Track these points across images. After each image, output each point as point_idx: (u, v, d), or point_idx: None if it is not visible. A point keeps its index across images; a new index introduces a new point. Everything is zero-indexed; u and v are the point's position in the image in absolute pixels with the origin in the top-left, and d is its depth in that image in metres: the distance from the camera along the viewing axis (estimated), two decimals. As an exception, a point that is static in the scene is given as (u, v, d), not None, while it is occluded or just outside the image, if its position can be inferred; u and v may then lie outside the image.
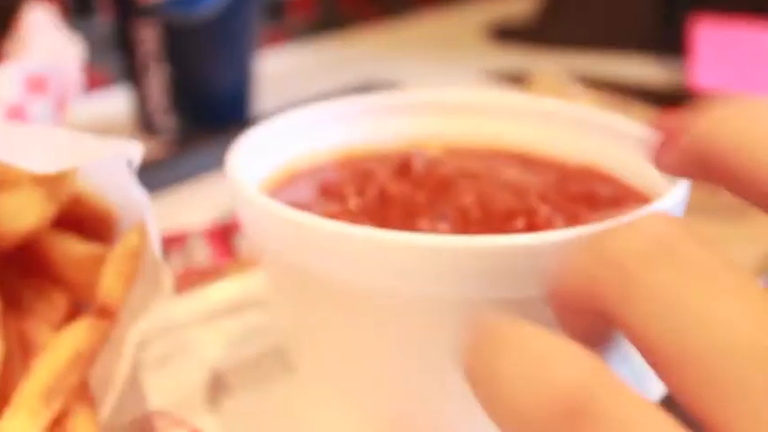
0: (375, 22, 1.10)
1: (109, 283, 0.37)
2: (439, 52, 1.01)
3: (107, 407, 0.36)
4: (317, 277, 0.34)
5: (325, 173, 0.42)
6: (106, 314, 0.37)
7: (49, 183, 0.39)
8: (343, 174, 0.42)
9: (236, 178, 0.37)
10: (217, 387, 0.41)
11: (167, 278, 0.37)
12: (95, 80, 0.84)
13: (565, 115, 0.44)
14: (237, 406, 0.40)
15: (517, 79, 0.85)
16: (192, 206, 0.59)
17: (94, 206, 0.43)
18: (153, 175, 0.64)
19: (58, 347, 0.35)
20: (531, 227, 0.36)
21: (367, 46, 1.04)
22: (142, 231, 0.38)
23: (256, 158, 0.40)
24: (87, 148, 0.37)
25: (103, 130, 0.76)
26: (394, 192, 0.38)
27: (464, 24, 1.12)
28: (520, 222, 0.37)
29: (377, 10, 1.10)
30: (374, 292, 0.33)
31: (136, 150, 0.36)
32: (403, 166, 0.40)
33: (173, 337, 0.45)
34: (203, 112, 0.73)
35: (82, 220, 0.43)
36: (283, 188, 0.41)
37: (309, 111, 0.44)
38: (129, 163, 0.38)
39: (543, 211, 0.37)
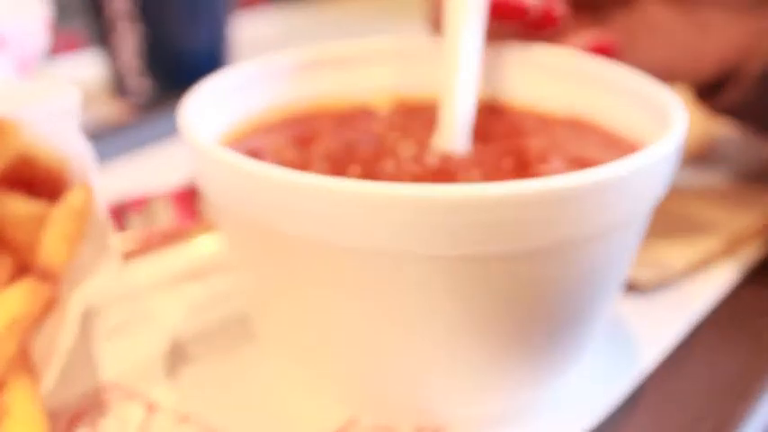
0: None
1: (51, 245, 0.34)
2: (416, 15, 0.98)
3: (50, 378, 0.33)
4: (273, 231, 0.31)
5: (288, 125, 0.39)
6: (47, 278, 0.34)
7: (-10, 138, 0.36)
8: (302, 127, 0.39)
9: (189, 128, 0.34)
10: (176, 356, 0.39)
11: (114, 240, 0.34)
12: (67, 42, 0.80)
13: (543, 61, 0.41)
14: (196, 376, 0.37)
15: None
16: (161, 170, 0.56)
17: (43, 162, 0.40)
18: (123, 138, 0.62)
19: (-7, 314, 0.32)
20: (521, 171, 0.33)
21: (348, 9, 1.00)
22: (87, 189, 0.35)
23: (212, 111, 0.37)
24: (24, 96, 0.34)
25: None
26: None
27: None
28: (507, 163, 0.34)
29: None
30: (334, 246, 0.30)
31: (74, 97, 0.33)
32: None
33: (132, 304, 0.42)
34: (176, 74, 0.70)
35: (30, 177, 0.40)
36: (240, 139, 0.38)
37: (269, 60, 0.41)
38: (72, 112, 0.35)
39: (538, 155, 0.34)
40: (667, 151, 0.32)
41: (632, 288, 0.42)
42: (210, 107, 0.37)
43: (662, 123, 0.35)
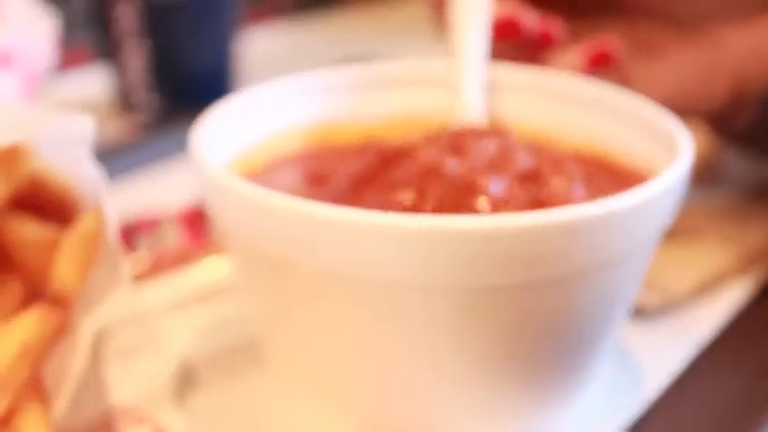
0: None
1: (63, 270, 0.34)
2: (432, 30, 0.98)
3: (62, 404, 0.34)
4: (285, 262, 0.31)
5: (304, 158, 0.40)
6: (60, 303, 0.34)
7: (3, 161, 0.36)
8: (322, 159, 0.39)
9: (200, 155, 0.34)
10: (185, 381, 0.39)
11: (125, 265, 0.35)
12: (74, 58, 0.81)
13: (551, 88, 0.41)
14: (206, 401, 0.38)
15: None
16: (168, 188, 0.56)
17: (54, 186, 0.40)
18: (130, 156, 0.62)
19: (5, 340, 0.32)
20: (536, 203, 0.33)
21: (357, 24, 1.01)
22: (99, 214, 0.35)
23: (226, 136, 0.37)
24: (37, 122, 0.35)
25: (81, 109, 0.73)
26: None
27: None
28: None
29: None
30: (346, 277, 0.30)
31: (88, 126, 0.33)
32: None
33: (140, 327, 0.42)
34: (183, 91, 0.70)
35: (41, 201, 0.40)
36: (258, 175, 0.38)
37: (282, 83, 0.41)
38: (85, 140, 0.35)
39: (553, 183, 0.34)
40: (676, 180, 0.32)
41: (639, 311, 0.42)
42: (221, 132, 0.37)
43: (668, 150, 0.35)
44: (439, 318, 0.30)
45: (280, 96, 0.41)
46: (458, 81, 0.39)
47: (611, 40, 0.42)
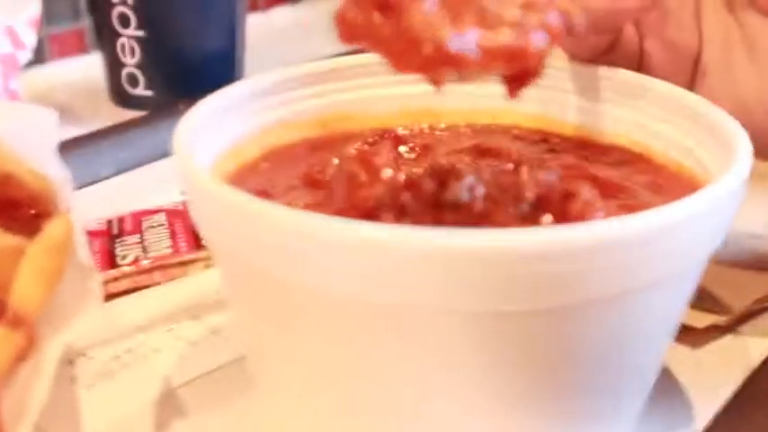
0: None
1: (24, 286, 0.30)
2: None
3: (22, 437, 0.29)
4: (280, 280, 0.27)
5: (301, 154, 0.35)
6: (20, 323, 0.30)
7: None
8: (321, 154, 0.35)
9: (183, 157, 0.30)
10: (167, 405, 0.35)
11: (95, 279, 0.30)
12: (66, 46, 0.77)
13: (589, 76, 0.37)
14: (189, 428, 0.33)
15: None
16: (164, 183, 0.52)
17: (25, 181, 0.36)
18: (124, 150, 0.58)
19: (-45, 367, 0.28)
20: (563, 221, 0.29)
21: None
22: (66, 223, 0.31)
23: (213, 132, 0.33)
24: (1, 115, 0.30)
25: (73, 100, 0.69)
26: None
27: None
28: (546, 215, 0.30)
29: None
30: (346, 298, 0.26)
31: (51, 120, 0.29)
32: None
33: (122, 344, 0.38)
34: (182, 81, 0.66)
35: (11, 198, 0.36)
36: (247, 172, 0.34)
37: (275, 74, 0.36)
38: (50, 138, 0.31)
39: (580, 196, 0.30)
40: (731, 190, 0.28)
41: (684, 336, 0.37)
42: (209, 128, 0.33)
43: (723, 153, 0.30)
44: (449, 344, 0.26)
45: (278, 85, 0.37)
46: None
47: None
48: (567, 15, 0.29)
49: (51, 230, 0.31)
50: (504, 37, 0.28)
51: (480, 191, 0.30)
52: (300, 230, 0.25)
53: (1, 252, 0.32)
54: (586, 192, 0.30)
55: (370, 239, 0.24)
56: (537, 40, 0.28)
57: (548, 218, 0.30)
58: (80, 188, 0.53)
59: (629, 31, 0.38)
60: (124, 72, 0.66)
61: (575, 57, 0.38)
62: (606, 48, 0.37)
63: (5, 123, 0.31)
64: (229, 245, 0.28)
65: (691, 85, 0.38)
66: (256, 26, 0.82)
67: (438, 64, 0.27)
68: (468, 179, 0.31)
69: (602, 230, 0.25)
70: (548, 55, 0.29)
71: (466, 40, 0.27)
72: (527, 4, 0.29)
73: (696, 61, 0.38)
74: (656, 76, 0.38)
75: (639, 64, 0.38)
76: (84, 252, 0.31)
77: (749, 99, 0.37)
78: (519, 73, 0.29)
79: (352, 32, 0.28)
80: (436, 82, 0.28)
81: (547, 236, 0.24)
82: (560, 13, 0.29)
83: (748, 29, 0.37)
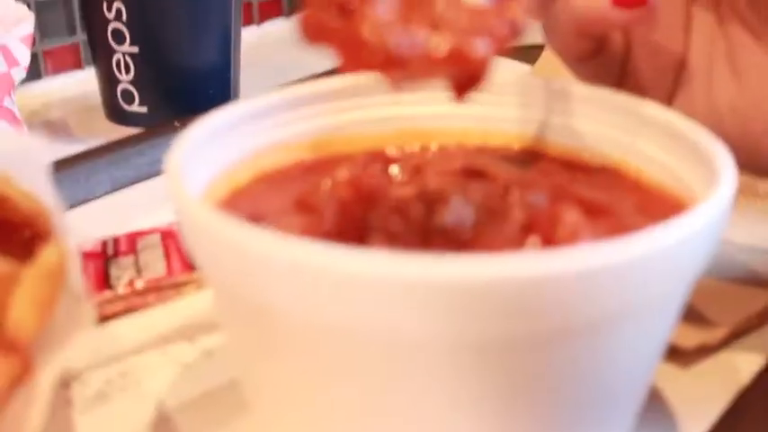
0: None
1: (19, 313, 0.30)
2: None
3: (16, 464, 0.30)
4: (270, 309, 0.27)
5: (295, 176, 0.36)
6: (14, 350, 0.30)
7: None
8: (315, 177, 0.35)
9: (175, 183, 0.30)
10: (162, 428, 0.35)
11: (89, 305, 0.31)
12: (61, 62, 0.77)
13: (577, 97, 0.37)
14: (184, 454, 0.34)
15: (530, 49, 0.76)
16: (161, 203, 0.52)
17: (20, 204, 0.36)
18: (119, 168, 0.58)
19: (-51, 396, 0.28)
20: (550, 245, 0.29)
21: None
22: (60, 249, 0.31)
23: (206, 156, 0.33)
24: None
25: (68, 116, 0.69)
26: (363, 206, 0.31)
27: None
28: (533, 237, 0.30)
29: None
30: (339, 330, 0.26)
31: (43, 149, 0.29)
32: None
33: (116, 367, 0.38)
34: (178, 96, 0.66)
35: (9, 229, 0.36)
36: (240, 196, 0.34)
37: (268, 97, 0.37)
38: (42, 165, 0.31)
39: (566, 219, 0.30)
40: (717, 212, 0.28)
41: (673, 355, 0.38)
42: (202, 152, 0.33)
43: (708, 174, 0.31)
44: (442, 374, 0.26)
45: (271, 108, 0.37)
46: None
47: None
48: (514, 23, 0.30)
49: (46, 258, 0.31)
50: (448, 42, 0.29)
51: (468, 215, 0.31)
52: (287, 258, 0.25)
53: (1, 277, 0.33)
54: (573, 214, 0.30)
55: (356, 269, 0.25)
56: (480, 46, 0.29)
57: (535, 241, 0.30)
58: (75, 206, 0.53)
59: (617, 35, 0.38)
60: (119, 88, 0.66)
61: (561, 58, 0.38)
62: (593, 51, 0.38)
63: (3, 150, 0.31)
64: (219, 272, 0.28)
65: (672, 91, 0.38)
66: (251, 39, 0.83)
67: (381, 65, 0.28)
68: (457, 203, 0.31)
69: (590, 256, 0.25)
70: (492, 60, 0.29)
71: (411, 43, 0.28)
72: (477, 11, 0.30)
73: (679, 69, 0.38)
74: (639, 80, 0.39)
75: (624, 67, 0.39)
76: (78, 279, 0.31)
77: (724, 110, 0.37)
78: (463, 78, 0.30)
79: (314, 33, 0.29)
80: (391, 84, 0.29)
81: (533, 263, 0.25)
82: (508, 21, 0.30)
83: (733, 42, 0.37)
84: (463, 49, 0.29)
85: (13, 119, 0.54)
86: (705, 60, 0.38)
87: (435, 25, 0.29)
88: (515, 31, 0.30)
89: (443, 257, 0.24)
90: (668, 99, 0.38)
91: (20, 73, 0.54)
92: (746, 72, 0.37)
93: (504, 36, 0.30)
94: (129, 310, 0.41)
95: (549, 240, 0.30)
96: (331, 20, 0.29)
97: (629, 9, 0.35)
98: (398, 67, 0.28)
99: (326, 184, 0.32)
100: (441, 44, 0.29)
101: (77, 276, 0.31)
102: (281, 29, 0.93)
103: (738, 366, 0.38)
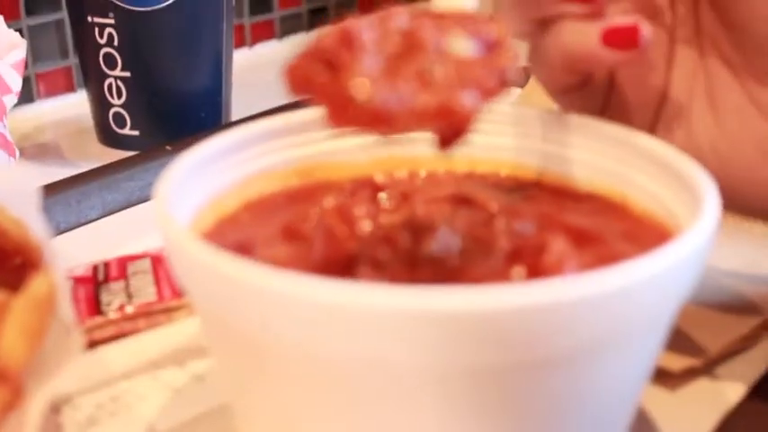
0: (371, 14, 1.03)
1: (9, 343, 0.31)
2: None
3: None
4: (252, 337, 0.28)
5: (282, 204, 0.36)
6: (5, 379, 0.30)
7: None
8: (302, 205, 0.35)
9: (163, 213, 0.30)
10: (152, 454, 0.35)
11: (78, 333, 0.31)
12: (54, 85, 0.77)
13: (566, 125, 0.37)
14: (174, 479, 0.34)
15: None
16: (152, 227, 0.52)
17: (13, 235, 0.36)
18: (111, 192, 0.58)
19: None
20: (536, 274, 0.30)
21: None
22: (49, 279, 0.31)
23: (194, 185, 0.34)
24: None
25: (59, 140, 0.70)
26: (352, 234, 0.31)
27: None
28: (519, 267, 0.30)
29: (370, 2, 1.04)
30: (330, 358, 0.27)
31: (32, 180, 0.30)
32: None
33: (106, 392, 0.38)
34: (170, 120, 0.67)
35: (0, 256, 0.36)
36: (228, 225, 0.34)
37: (256, 125, 0.37)
38: (32, 196, 0.31)
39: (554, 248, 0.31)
40: (702, 240, 0.28)
41: (660, 378, 0.38)
42: (190, 181, 0.33)
43: (693, 203, 0.31)
44: (429, 402, 0.27)
45: (260, 135, 0.37)
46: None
47: (642, 21, 0.35)
48: (503, 73, 0.30)
49: (35, 287, 0.32)
50: (436, 97, 0.28)
51: (455, 243, 0.31)
52: (275, 290, 0.26)
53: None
54: (560, 243, 0.31)
55: (344, 301, 0.25)
56: (468, 98, 0.29)
57: (521, 271, 0.30)
58: (67, 229, 0.53)
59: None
60: (111, 112, 0.66)
61: (546, 89, 0.38)
62: (578, 85, 0.38)
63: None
64: (206, 301, 0.29)
65: (653, 122, 0.39)
66: (243, 61, 0.83)
67: (367, 121, 0.28)
68: (444, 232, 0.31)
69: (573, 286, 0.25)
70: (478, 113, 0.29)
71: (396, 98, 0.28)
72: (464, 61, 0.30)
73: (661, 103, 0.38)
74: (622, 112, 0.39)
75: (607, 99, 0.39)
76: (68, 308, 0.31)
77: (705, 148, 0.37)
78: (449, 130, 0.30)
79: (299, 85, 0.29)
80: (381, 134, 0.29)
81: (517, 295, 0.25)
82: (497, 70, 0.30)
83: (713, 79, 0.38)
84: (451, 103, 0.29)
85: (4, 142, 0.54)
86: (686, 96, 0.38)
87: (422, 78, 0.29)
88: (504, 82, 0.30)
89: (429, 290, 0.25)
90: (650, 131, 0.38)
91: (11, 99, 0.55)
92: (727, 114, 0.37)
93: (492, 88, 0.30)
94: (119, 336, 0.41)
95: (535, 269, 0.30)
96: (318, 73, 0.29)
97: (620, 50, 0.35)
98: (385, 124, 0.28)
99: (314, 212, 0.33)
100: (428, 100, 0.29)
101: (66, 305, 0.31)
102: (273, 51, 0.93)
103: (725, 389, 0.38)
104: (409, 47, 0.30)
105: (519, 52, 0.31)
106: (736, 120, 0.37)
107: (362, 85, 0.28)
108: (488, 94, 0.30)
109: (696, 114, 0.38)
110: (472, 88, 0.29)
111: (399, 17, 0.31)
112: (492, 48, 0.31)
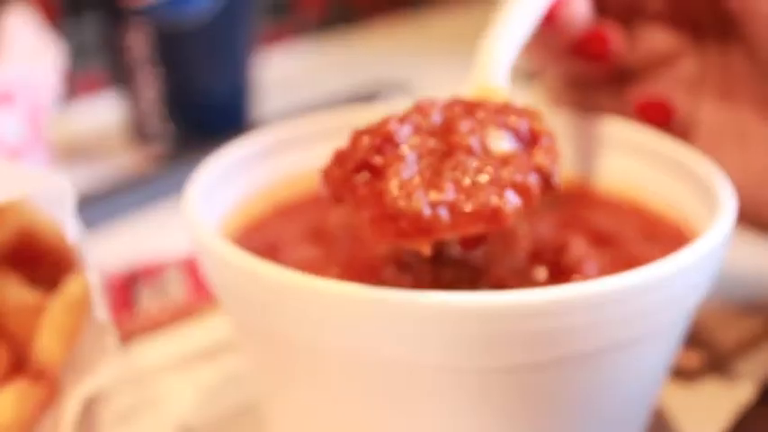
0: (387, 19, 1.04)
1: (46, 342, 0.32)
2: (455, 51, 0.94)
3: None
4: (282, 337, 0.28)
5: (308, 208, 0.37)
6: (42, 376, 0.32)
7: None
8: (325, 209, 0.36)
9: (192, 216, 0.31)
10: (185, 448, 0.36)
11: (111, 332, 0.32)
12: (87, 85, 0.78)
13: (587, 127, 0.38)
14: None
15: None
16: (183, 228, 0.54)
17: (46, 239, 0.37)
18: (143, 190, 0.59)
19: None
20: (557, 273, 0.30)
21: (379, 44, 0.97)
22: (84, 280, 0.32)
23: (222, 190, 0.35)
24: (21, 179, 0.32)
25: (92, 139, 0.71)
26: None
27: (481, 21, 1.04)
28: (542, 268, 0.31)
29: (389, 5, 1.04)
30: (353, 355, 0.28)
31: (67, 187, 0.31)
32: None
33: (139, 387, 0.39)
34: (198, 120, 0.68)
35: (33, 255, 0.38)
36: (255, 228, 0.35)
37: (288, 126, 0.38)
38: (66, 201, 0.32)
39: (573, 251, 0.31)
40: (718, 241, 0.29)
41: (677, 374, 0.38)
42: (219, 185, 0.34)
43: (709, 204, 0.32)
44: (453, 400, 0.28)
45: (286, 140, 0.38)
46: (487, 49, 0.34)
47: (672, 91, 0.37)
48: (543, 172, 0.29)
49: (70, 289, 0.33)
50: (477, 202, 0.27)
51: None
52: (300, 292, 0.26)
53: (22, 309, 0.34)
54: (580, 244, 0.31)
55: (368, 302, 0.26)
56: (509, 202, 0.27)
57: (542, 271, 0.31)
58: (100, 229, 0.55)
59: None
60: (143, 112, 0.67)
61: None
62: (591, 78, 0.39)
63: (23, 184, 0.33)
64: (235, 303, 0.30)
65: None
66: (270, 65, 0.84)
67: (413, 234, 0.27)
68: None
69: (596, 288, 0.26)
70: (519, 215, 0.28)
71: (440, 208, 0.27)
72: (504, 159, 0.28)
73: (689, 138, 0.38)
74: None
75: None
76: (102, 308, 0.32)
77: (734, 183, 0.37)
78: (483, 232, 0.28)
79: (336, 190, 0.28)
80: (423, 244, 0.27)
81: (539, 297, 0.26)
82: (536, 171, 0.29)
83: (742, 117, 0.37)
84: (495, 208, 0.27)
85: (40, 144, 0.55)
86: (711, 135, 0.38)
87: (463, 181, 0.27)
88: (544, 181, 0.29)
89: (456, 292, 0.26)
90: None
91: (48, 101, 0.56)
92: (754, 146, 0.37)
93: (532, 189, 0.28)
94: (152, 334, 0.42)
95: (557, 269, 0.31)
96: (359, 183, 0.27)
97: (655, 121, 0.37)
98: (431, 235, 0.27)
99: (339, 215, 0.33)
100: (473, 206, 0.27)
101: (101, 305, 0.32)
102: (302, 54, 0.94)
103: (738, 387, 0.39)
104: (448, 147, 0.28)
105: (559, 148, 0.30)
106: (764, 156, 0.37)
107: (404, 195, 0.27)
108: (529, 197, 0.28)
109: (726, 152, 0.37)
110: (514, 189, 0.28)
111: (434, 111, 0.29)
112: (531, 141, 0.30)
